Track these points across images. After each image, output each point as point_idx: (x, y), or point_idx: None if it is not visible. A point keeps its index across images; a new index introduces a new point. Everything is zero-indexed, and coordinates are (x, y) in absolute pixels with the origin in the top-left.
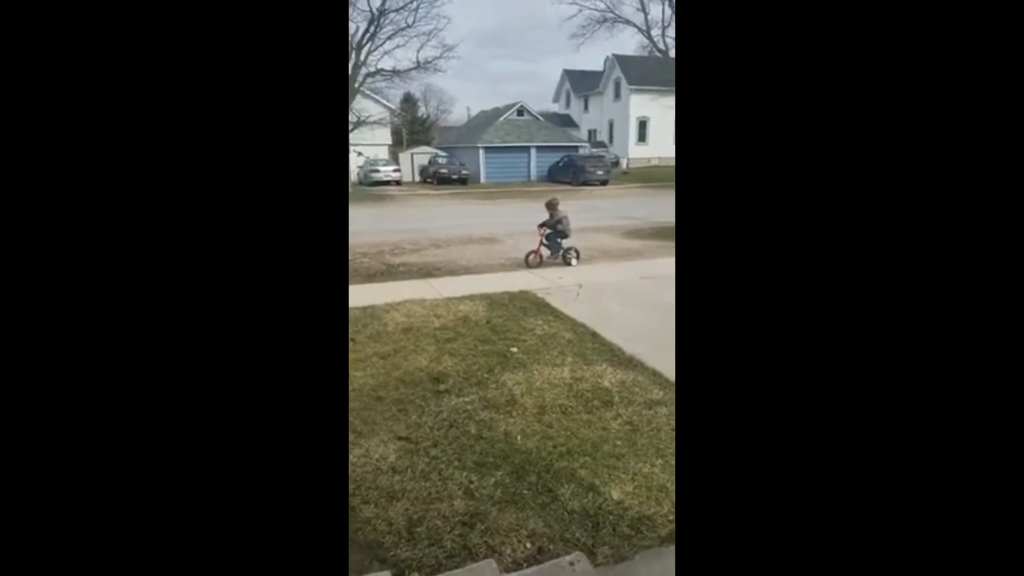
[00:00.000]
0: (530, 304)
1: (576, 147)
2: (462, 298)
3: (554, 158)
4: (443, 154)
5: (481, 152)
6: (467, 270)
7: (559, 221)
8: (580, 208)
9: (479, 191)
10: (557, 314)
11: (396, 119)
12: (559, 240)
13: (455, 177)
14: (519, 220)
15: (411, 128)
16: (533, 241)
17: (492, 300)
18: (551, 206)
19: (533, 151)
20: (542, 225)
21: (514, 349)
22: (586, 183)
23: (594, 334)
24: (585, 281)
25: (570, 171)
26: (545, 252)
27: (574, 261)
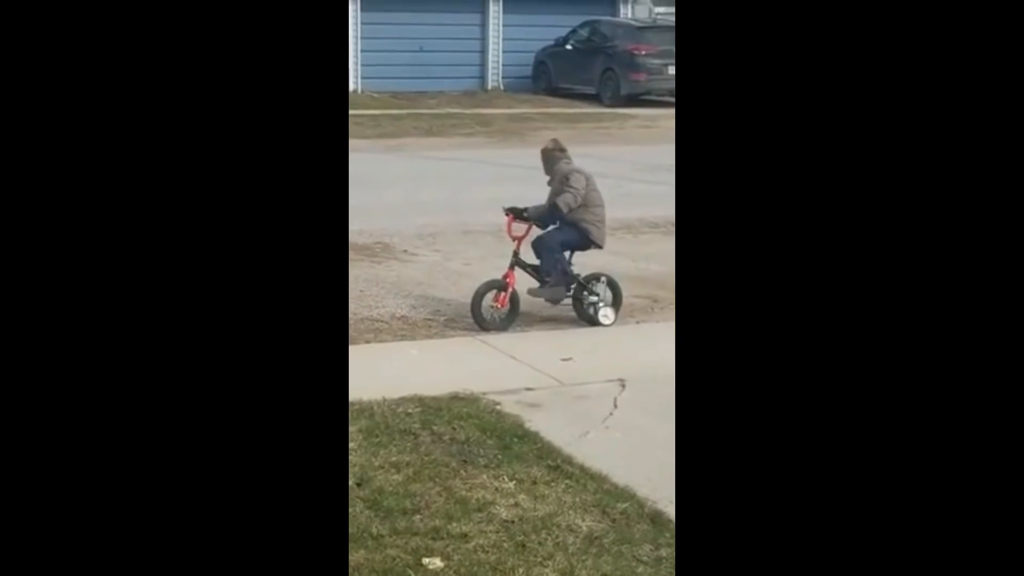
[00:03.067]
0: (482, 431)
1: None
2: None
3: (549, 31)
4: None
5: (353, 9)
6: None
7: (565, 181)
8: (625, 169)
9: (351, 114)
10: (551, 458)
11: None
12: (560, 259)
13: None
14: (451, 195)
15: None
16: (490, 256)
17: (381, 419)
18: (550, 159)
19: (493, 4)
20: (517, 213)
21: (432, 563)
22: (636, 99)
23: (655, 519)
24: (634, 369)
25: (597, 68)
26: (527, 287)
27: (608, 312)
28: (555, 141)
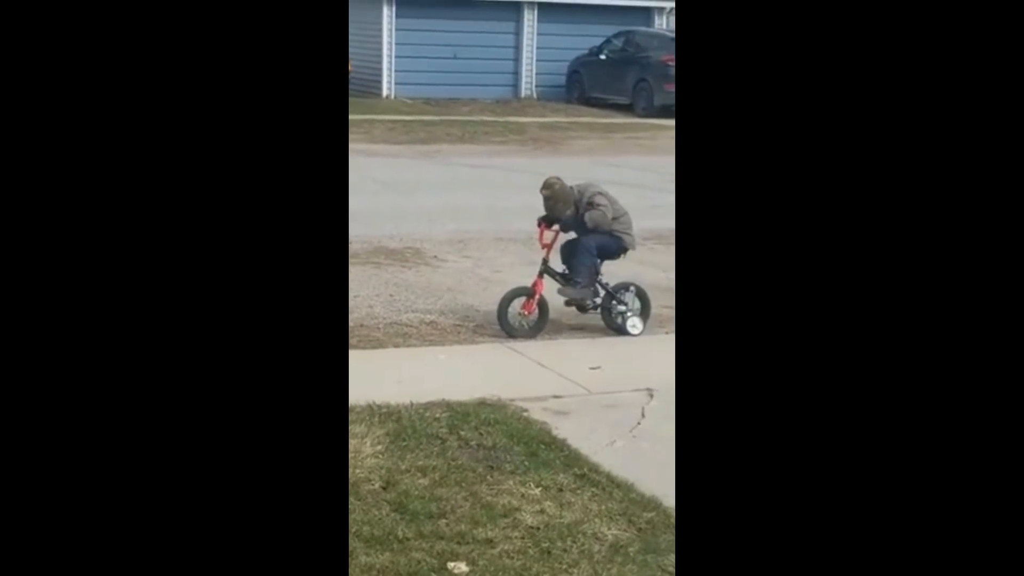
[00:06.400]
0: (510, 437)
1: (647, 8)
2: None
3: (583, 40)
4: None
5: (388, 14)
6: (351, 336)
7: (591, 205)
8: (658, 180)
9: (381, 120)
10: (578, 466)
11: None
12: (592, 263)
13: None
14: (483, 202)
15: None
16: (521, 263)
17: (408, 424)
18: (561, 193)
19: (528, 12)
20: (550, 222)
21: (457, 567)
22: (670, 110)
23: None
24: (663, 379)
25: (631, 78)
26: (555, 294)
27: (636, 321)
28: (556, 178)
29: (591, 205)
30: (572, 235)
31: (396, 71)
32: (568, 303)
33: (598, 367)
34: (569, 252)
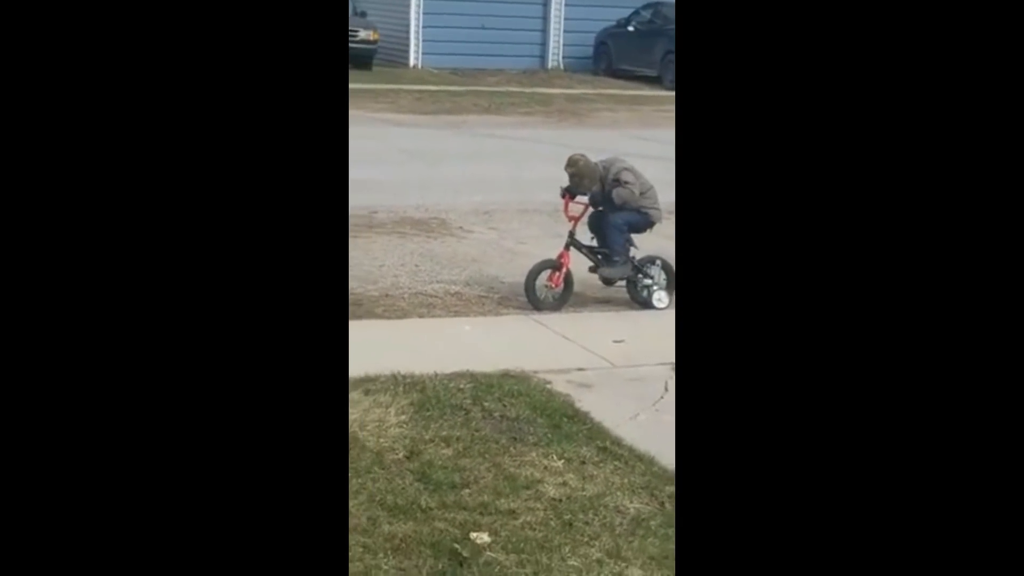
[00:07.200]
0: (533, 409)
1: None
2: (358, 382)
3: (611, 11)
4: None
5: None
6: (376, 305)
7: (617, 182)
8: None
9: (408, 90)
10: (600, 439)
11: None
12: (622, 236)
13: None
14: (508, 173)
15: None
16: (546, 235)
17: (432, 394)
18: (587, 170)
19: None
20: (574, 193)
21: (480, 537)
22: None
23: None
24: None
25: (658, 50)
26: (588, 268)
27: (662, 295)
28: (580, 155)
29: (618, 182)
30: (596, 207)
31: (423, 41)
32: (606, 275)
33: (622, 340)
34: (597, 227)
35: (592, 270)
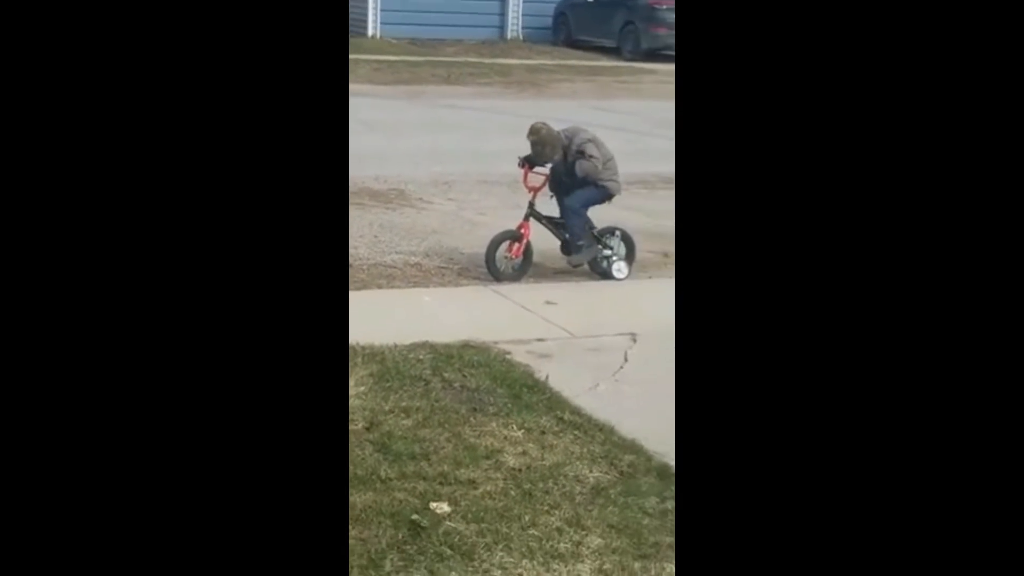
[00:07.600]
0: (493, 379)
1: None
2: None
3: None
4: None
5: None
6: None
7: (581, 154)
8: (643, 124)
9: (366, 60)
10: (560, 409)
11: None
12: (581, 220)
13: None
14: (467, 144)
15: None
16: (505, 206)
17: (392, 365)
18: (548, 139)
19: None
20: (532, 163)
21: (440, 507)
22: (656, 53)
23: (662, 472)
24: (646, 323)
25: (617, 21)
26: (560, 253)
27: (621, 265)
28: (542, 123)
29: (582, 154)
30: (556, 178)
31: (382, 10)
32: (568, 249)
33: (580, 311)
34: (565, 212)
35: (563, 251)
